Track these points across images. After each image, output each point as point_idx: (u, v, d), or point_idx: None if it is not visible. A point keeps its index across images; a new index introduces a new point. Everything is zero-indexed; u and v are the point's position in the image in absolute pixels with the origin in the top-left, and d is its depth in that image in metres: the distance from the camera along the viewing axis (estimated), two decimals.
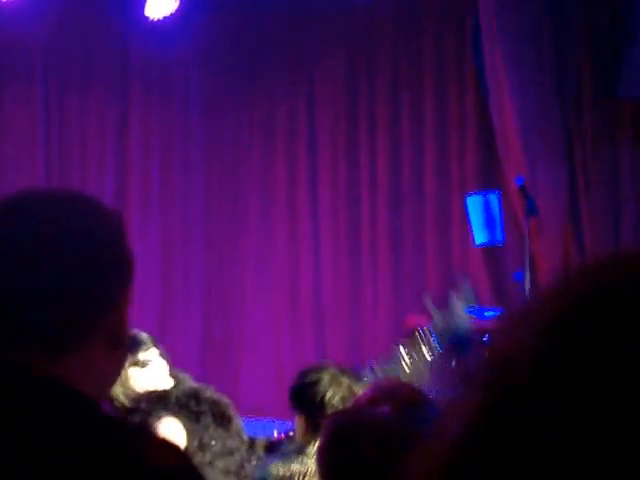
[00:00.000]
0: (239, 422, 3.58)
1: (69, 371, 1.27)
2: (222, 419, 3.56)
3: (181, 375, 3.73)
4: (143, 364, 3.66)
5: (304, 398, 3.25)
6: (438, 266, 7.31)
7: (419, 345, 5.51)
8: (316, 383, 3.23)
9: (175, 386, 3.62)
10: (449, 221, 7.31)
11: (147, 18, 7.01)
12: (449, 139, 7.33)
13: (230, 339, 7.70)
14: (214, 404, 3.57)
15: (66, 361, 1.27)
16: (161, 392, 3.58)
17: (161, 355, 3.72)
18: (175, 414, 3.48)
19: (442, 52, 7.33)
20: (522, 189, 6.24)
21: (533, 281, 6.23)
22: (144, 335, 3.73)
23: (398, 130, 7.46)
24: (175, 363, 7.90)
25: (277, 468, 3.25)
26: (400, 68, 7.43)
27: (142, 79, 7.67)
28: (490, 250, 6.89)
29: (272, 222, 7.72)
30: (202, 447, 3.46)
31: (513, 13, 6.56)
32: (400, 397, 1.42)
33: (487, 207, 6.65)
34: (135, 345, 3.64)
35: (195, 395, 3.55)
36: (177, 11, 7.06)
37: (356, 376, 3.32)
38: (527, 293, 6.06)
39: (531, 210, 6.14)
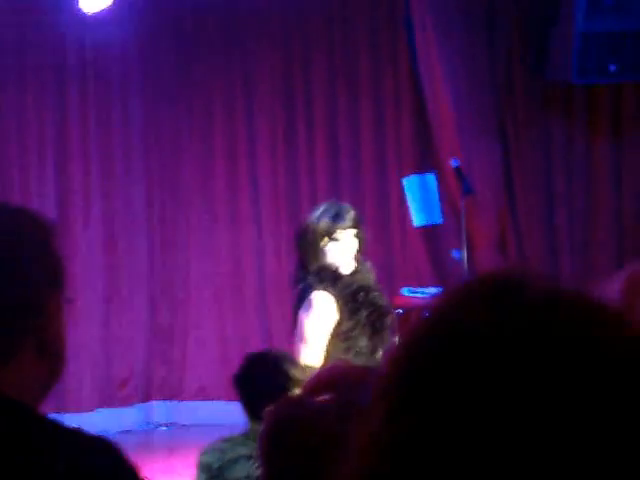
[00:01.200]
0: (389, 334, 3.94)
1: (1, 382, 1.29)
2: (374, 323, 3.93)
3: (364, 266, 4.06)
4: (335, 239, 3.98)
5: (246, 386, 3.29)
6: (378, 248, 7.44)
7: None
8: (258, 371, 3.28)
9: (352, 273, 3.95)
10: (388, 203, 7.43)
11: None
12: (386, 124, 7.44)
13: (175, 325, 7.74)
14: (374, 307, 3.94)
15: None
16: (336, 273, 3.94)
17: (356, 236, 4.02)
18: (334, 295, 3.89)
19: (376, 44, 7.42)
20: (457, 170, 6.37)
21: (470, 259, 6.39)
22: (350, 214, 4.03)
23: (335, 116, 7.54)
24: (120, 349, 7.91)
25: (223, 451, 3.28)
26: (336, 58, 7.50)
27: (79, 68, 7.60)
28: (429, 230, 7.02)
29: (213, 208, 7.74)
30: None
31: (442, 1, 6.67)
32: (344, 384, 1.35)
33: (424, 188, 6.77)
34: (338, 219, 4.00)
35: (362, 290, 3.93)
36: (114, 2, 7.02)
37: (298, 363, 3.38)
38: (465, 271, 6.21)
39: (467, 190, 6.27)
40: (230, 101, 7.71)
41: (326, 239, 3.96)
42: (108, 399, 7.50)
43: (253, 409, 3.22)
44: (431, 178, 6.81)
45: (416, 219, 6.72)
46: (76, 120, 7.59)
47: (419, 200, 6.73)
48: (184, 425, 7.60)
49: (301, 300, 3.94)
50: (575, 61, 6.42)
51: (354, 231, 4.00)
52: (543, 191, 7.03)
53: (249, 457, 3.22)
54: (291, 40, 7.63)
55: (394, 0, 7.26)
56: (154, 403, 7.71)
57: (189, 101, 7.73)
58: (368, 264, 4.10)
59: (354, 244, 4.00)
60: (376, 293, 3.97)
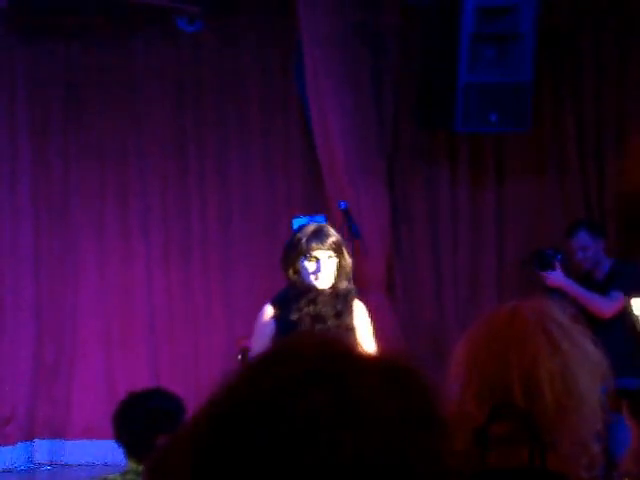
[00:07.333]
0: None
1: None
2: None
3: (345, 287, 4.18)
4: (310, 258, 4.10)
5: (123, 424, 3.26)
6: (270, 286, 7.50)
7: None
8: (137, 410, 3.25)
9: (330, 289, 4.11)
10: (278, 243, 7.52)
11: None
12: (276, 167, 7.57)
13: (62, 362, 7.64)
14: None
15: None
16: (305, 290, 4.09)
17: (331, 258, 4.11)
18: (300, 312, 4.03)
19: (268, 84, 7.55)
20: (345, 212, 6.51)
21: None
22: (333, 238, 4.14)
23: (227, 158, 7.61)
24: (3, 386, 7.70)
25: None
26: (227, 106, 7.60)
27: None
28: None
29: (103, 245, 7.69)
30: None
31: (332, 49, 6.78)
32: None
33: None
34: (319, 239, 4.10)
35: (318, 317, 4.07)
36: None
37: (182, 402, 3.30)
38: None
39: (354, 233, 6.40)
40: (122, 140, 7.69)
41: (301, 257, 4.11)
42: None
43: (130, 448, 3.19)
44: (320, 220, 6.94)
45: None
46: None
47: None
48: (68, 465, 7.48)
49: None
50: (459, 110, 6.68)
51: (328, 254, 4.12)
52: (429, 235, 7.24)
53: None
54: (184, 87, 7.67)
55: (286, 52, 7.39)
56: (37, 442, 7.57)
57: (77, 135, 7.67)
58: (346, 291, 4.23)
59: (326, 267, 4.12)
60: (321, 324, 4.11)
